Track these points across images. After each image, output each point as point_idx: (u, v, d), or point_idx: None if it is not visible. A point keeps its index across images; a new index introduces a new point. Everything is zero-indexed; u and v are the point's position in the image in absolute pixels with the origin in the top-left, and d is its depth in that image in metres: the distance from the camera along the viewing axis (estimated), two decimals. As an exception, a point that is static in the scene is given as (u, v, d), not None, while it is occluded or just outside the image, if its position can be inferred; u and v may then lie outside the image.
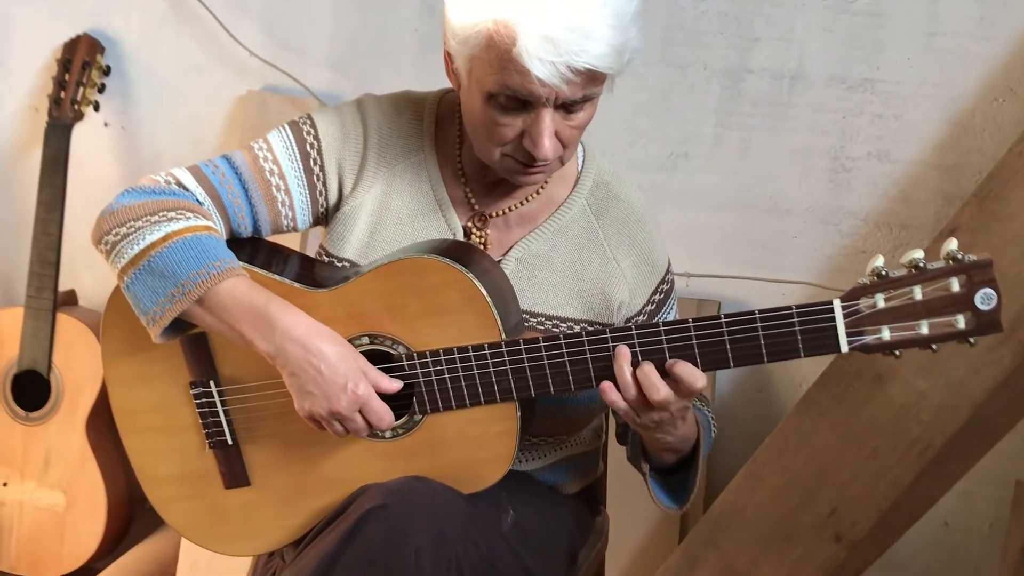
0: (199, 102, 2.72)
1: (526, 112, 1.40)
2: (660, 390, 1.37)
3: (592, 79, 1.38)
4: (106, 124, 2.78)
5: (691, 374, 1.37)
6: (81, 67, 2.63)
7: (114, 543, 2.70)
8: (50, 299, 2.59)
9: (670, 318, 1.66)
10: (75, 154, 2.64)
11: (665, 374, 1.39)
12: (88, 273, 2.86)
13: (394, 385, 1.43)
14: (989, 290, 1.30)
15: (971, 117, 2.32)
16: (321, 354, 1.39)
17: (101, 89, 2.68)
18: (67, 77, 2.63)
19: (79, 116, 2.64)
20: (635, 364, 1.39)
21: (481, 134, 1.46)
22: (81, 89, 2.63)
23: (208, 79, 2.70)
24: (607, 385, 1.40)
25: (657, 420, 1.42)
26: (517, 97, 1.38)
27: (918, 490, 2.13)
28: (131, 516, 2.73)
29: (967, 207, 2.10)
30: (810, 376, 2.39)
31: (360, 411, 1.41)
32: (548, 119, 1.39)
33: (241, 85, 2.68)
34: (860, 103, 2.37)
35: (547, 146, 1.40)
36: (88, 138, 2.75)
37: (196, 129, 2.73)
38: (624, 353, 1.39)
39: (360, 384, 1.40)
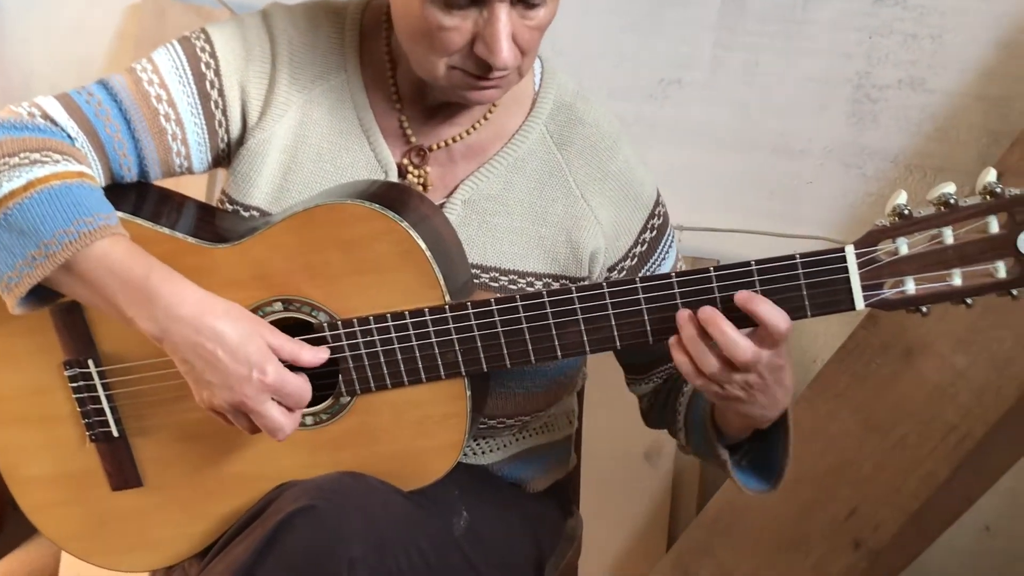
0: (81, 11, 2.69)
1: (476, 9, 1.38)
2: (744, 348, 1.33)
3: None
4: (-35, 40, 2.75)
5: (771, 313, 1.32)
6: (-67, -32, 2.60)
7: (-21, 553, 2.68)
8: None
9: (669, 263, 1.65)
10: (-75, 77, 2.62)
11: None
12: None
13: (318, 356, 1.42)
14: (1036, 231, 1.30)
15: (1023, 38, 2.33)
16: (216, 335, 1.37)
17: (-42, -4, 2.64)
18: (-86, -20, 2.59)
19: (-69, 29, 2.61)
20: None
21: (421, 44, 1.44)
22: (-67, -4, 2.60)
23: (92, -16, 2.68)
24: (676, 346, 1.36)
25: (743, 382, 1.37)
26: None
27: (954, 488, 2.15)
28: (0, 519, 2.71)
29: (1016, 146, 2.11)
30: (825, 351, 2.41)
31: (273, 399, 1.39)
32: (504, 16, 1.37)
33: (134, -9, 2.66)
34: (889, 20, 2.37)
35: (505, 50, 1.38)
36: (-58, 57, 2.72)
37: (77, 45, 2.71)
38: (687, 318, 1.35)
39: (268, 368, 1.38)
